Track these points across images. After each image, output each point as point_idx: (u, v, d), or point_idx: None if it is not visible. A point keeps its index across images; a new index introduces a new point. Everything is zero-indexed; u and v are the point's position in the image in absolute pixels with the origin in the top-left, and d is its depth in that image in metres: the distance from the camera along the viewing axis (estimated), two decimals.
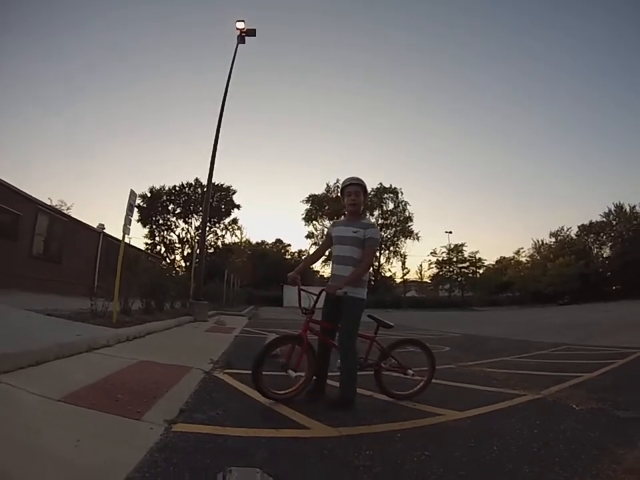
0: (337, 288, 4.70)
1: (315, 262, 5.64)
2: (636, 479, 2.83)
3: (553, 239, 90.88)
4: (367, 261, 4.94)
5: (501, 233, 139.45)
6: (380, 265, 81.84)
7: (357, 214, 5.13)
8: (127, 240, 10.49)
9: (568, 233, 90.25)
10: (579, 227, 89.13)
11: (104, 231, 30.06)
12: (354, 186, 5.10)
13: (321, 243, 5.19)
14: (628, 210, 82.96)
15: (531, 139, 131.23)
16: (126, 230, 9.94)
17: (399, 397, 5.13)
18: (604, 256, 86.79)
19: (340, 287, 4.69)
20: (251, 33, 21.38)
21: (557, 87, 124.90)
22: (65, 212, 33.62)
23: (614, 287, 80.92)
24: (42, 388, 3.87)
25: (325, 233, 5.40)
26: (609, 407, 4.85)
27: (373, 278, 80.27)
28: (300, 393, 4.84)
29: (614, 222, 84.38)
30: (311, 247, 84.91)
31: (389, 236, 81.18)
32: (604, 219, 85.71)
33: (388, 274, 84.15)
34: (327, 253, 5.70)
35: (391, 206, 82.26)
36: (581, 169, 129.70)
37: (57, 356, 5.16)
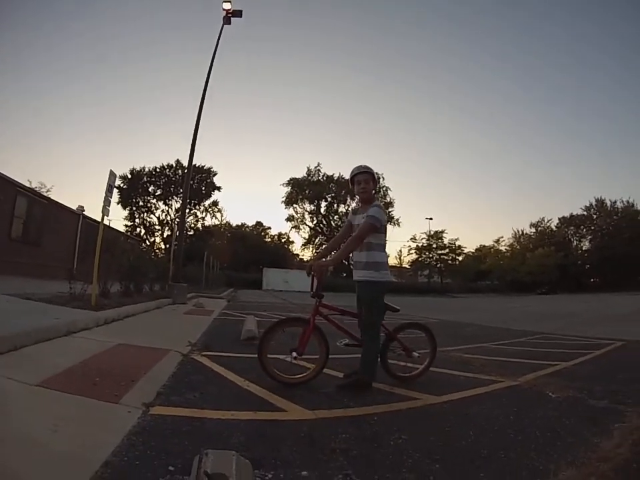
0: (322, 265, 4.95)
1: (335, 249, 5.62)
2: (611, 467, 2.86)
3: (533, 230, 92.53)
4: (356, 235, 4.93)
5: (481, 221, 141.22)
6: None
7: (369, 201, 5.13)
8: (106, 222, 10.36)
9: (548, 224, 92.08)
10: (559, 219, 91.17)
11: (83, 212, 29.77)
12: (363, 174, 5.12)
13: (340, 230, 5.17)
14: (609, 205, 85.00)
15: (515, 130, 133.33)
16: (105, 211, 9.82)
17: (402, 378, 5.27)
18: (583, 249, 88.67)
19: (327, 264, 4.90)
20: (237, 14, 21.04)
21: (542, 77, 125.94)
22: (45, 194, 33.21)
23: (592, 280, 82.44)
24: (20, 373, 3.83)
25: (347, 219, 5.41)
26: (585, 396, 4.89)
27: (352, 262, 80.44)
28: (314, 377, 4.89)
29: (594, 216, 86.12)
30: (290, 229, 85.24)
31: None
32: (585, 213, 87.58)
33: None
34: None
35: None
36: (563, 162, 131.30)
37: (36, 340, 5.10)
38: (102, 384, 3.91)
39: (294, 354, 4.73)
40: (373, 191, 5.23)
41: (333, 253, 5.79)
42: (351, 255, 5.15)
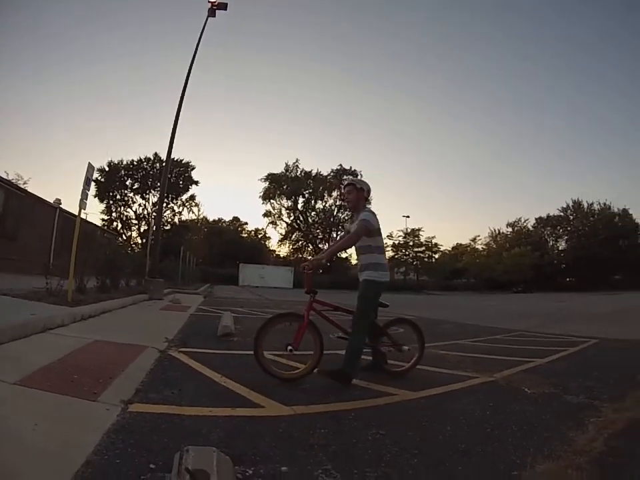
0: (314, 260, 5.20)
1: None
2: (587, 460, 2.92)
3: (510, 229, 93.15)
4: (351, 234, 5.31)
5: (458, 220, 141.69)
6: None
7: (357, 209, 5.51)
8: (83, 215, 10.25)
9: (525, 224, 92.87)
10: (536, 219, 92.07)
11: (60, 206, 29.39)
12: (346, 187, 5.65)
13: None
14: (586, 206, 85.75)
15: (495, 130, 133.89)
16: (82, 205, 9.72)
17: (393, 373, 5.50)
18: (559, 249, 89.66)
19: (321, 259, 5.17)
20: (222, 6, 20.93)
21: (523, 76, 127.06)
22: (22, 186, 32.75)
23: (568, 279, 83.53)
24: None
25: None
26: (560, 392, 4.98)
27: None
28: (309, 373, 4.99)
29: (571, 217, 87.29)
30: (267, 225, 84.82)
31: (346, 217, 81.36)
32: (561, 214, 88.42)
33: (344, 255, 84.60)
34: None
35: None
36: (541, 163, 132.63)
37: (12, 337, 5.04)
38: (80, 381, 3.89)
39: (289, 348, 4.87)
40: (361, 200, 5.52)
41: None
42: (359, 257, 5.45)
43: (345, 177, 78.63)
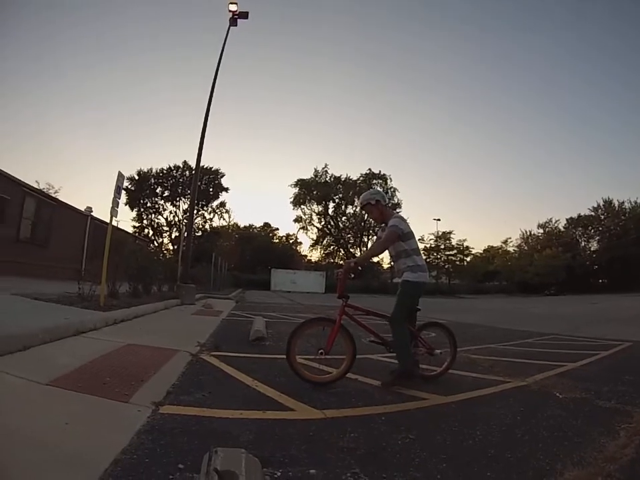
0: (350, 262, 5.30)
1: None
2: (617, 467, 2.87)
3: (541, 230, 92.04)
4: (382, 240, 5.42)
5: (489, 222, 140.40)
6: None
7: (383, 220, 5.59)
8: (114, 223, 10.41)
9: (556, 225, 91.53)
10: (567, 219, 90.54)
11: (91, 214, 29.87)
12: (364, 208, 5.71)
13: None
14: (616, 205, 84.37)
15: (524, 130, 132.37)
16: (113, 212, 9.90)
17: (426, 377, 5.47)
18: (591, 249, 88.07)
19: (353, 262, 5.31)
20: (244, 15, 21.03)
21: (550, 77, 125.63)
22: (53, 195, 33.34)
23: (600, 280, 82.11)
24: (30, 372, 3.89)
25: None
26: (592, 397, 4.89)
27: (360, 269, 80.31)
28: (342, 377, 5.01)
29: (602, 216, 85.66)
30: (298, 230, 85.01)
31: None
32: (592, 213, 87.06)
33: (375, 260, 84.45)
34: None
35: None
36: (571, 163, 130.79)
37: (45, 340, 5.17)
38: (112, 383, 3.96)
39: (321, 351, 4.91)
40: (383, 210, 5.59)
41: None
42: (394, 264, 5.55)
43: (374, 182, 78.52)
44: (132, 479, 2.33)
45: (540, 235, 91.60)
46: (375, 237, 5.50)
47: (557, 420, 4.02)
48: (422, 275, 5.30)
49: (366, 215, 79.35)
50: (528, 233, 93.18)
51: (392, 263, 5.68)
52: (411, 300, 5.31)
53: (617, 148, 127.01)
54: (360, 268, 5.11)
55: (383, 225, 5.56)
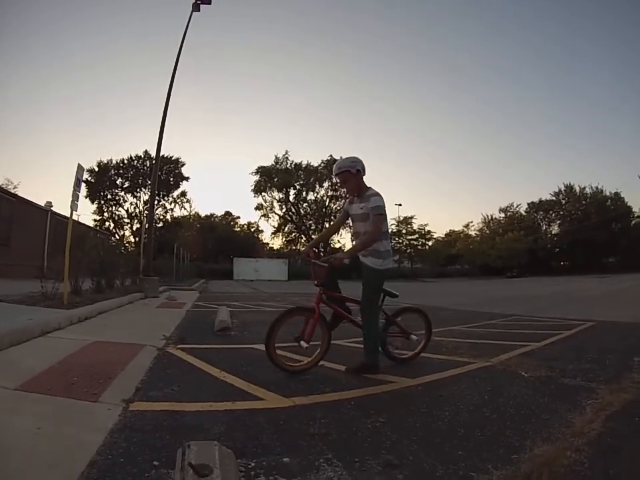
0: (341, 259, 4.97)
1: (331, 236, 5.84)
2: (585, 442, 2.96)
3: (503, 214, 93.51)
4: (371, 230, 5.06)
5: (451, 206, 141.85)
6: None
7: (359, 192, 5.25)
8: (75, 217, 10.23)
9: (517, 209, 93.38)
10: (528, 204, 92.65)
11: (52, 209, 29.31)
12: (339, 175, 5.27)
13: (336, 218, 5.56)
14: (578, 190, 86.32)
15: (485, 115, 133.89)
16: (73, 206, 9.74)
17: (402, 360, 5.63)
18: (552, 233, 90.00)
19: (344, 257, 5.01)
20: (206, 0, 20.74)
21: (513, 61, 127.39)
22: (12, 191, 32.61)
23: (561, 263, 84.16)
24: None
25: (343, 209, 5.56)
26: (557, 375, 5.03)
27: (323, 250, 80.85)
28: (316, 364, 5.06)
29: (563, 201, 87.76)
30: (260, 218, 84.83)
31: (338, 207, 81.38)
32: (554, 198, 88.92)
33: (337, 245, 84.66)
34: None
35: None
36: (532, 148, 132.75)
37: (11, 343, 5.10)
38: (80, 383, 3.92)
39: (302, 342, 4.86)
40: (361, 182, 5.26)
41: (322, 243, 5.96)
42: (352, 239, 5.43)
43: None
44: (109, 479, 2.33)
45: (501, 219, 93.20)
46: (352, 212, 5.18)
47: (524, 398, 4.13)
48: (389, 261, 5.22)
49: (327, 201, 79.82)
50: (489, 217, 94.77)
51: (353, 241, 5.53)
52: (381, 288, 5.24)
53: (578, 133, 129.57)
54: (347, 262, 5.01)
55: (355, 198, 5.32)
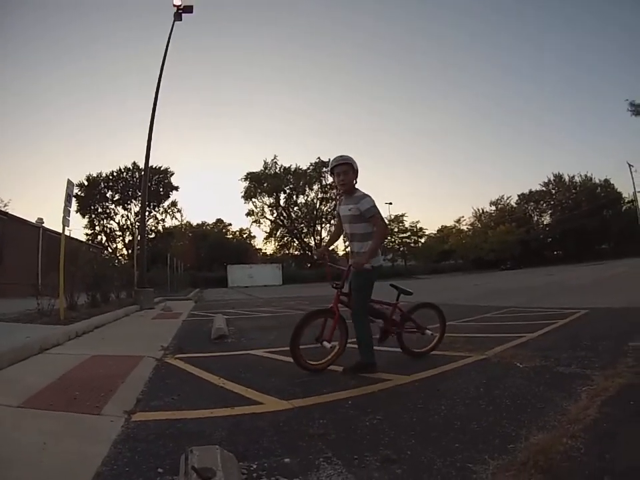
0: (362, 263, 5.01)
1: (336, 240, 5.92)
2: (581, 428, 3.01)
3: (493, 208, 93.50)
4: (379, 232, 5.21)
5: (441, 203, 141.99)
6: (322, 239, 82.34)
7: (350, 191, 5.34)
8: (66, 232, 10.23)
9: (508, 201, 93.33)
10: (518, 195, 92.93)
11: (43, 225, 29.22)
12: (341, 166, 5.28)
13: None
14: (567, 180, 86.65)
15: (472, 108, 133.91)
16: (65, 222, 9.73)
17: (418, 354, 5.85)
18: (544, 223, 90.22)
19: (364, 262, 5.01)
20: (188, 9, 20.80)
21: (501, 53, 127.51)
22: (3, 209, 32.48)
23: (555, 252, 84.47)
24: (0, 396, 3.85)
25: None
26: (552, 364, 5.08)
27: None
28: (334, 362, 5.24)
29: (553, 191, 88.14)
30: (251, 224, 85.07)
31: (329, 209, 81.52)
32: (543, 188, 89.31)
33: (330, 248, 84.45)
34: None
35: (330, 180, 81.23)
36: (520, 139, 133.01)
37: (11, 361, 5.11)
38: (82, 397, 3.96)
39: (325, 342, 5.06)
40: (353, 181, 5.35)
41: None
42: (349, 243, 5.52)
43: (324, 170, 78.78)
44: None
45: (492, 212, 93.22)
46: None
47: (519, 389, 4.19)
48: (379, 259, 5.38)
49: (318, 204, 79.77)
50: (480, 211, 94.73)
51: (347, 243, 5.65)
52: (371, 288, 5.28)
53: (565, 124, 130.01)
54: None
55: (344, 199, 5.45)
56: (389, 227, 79.20)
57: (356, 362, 5.12)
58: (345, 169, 5.26)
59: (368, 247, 5.15)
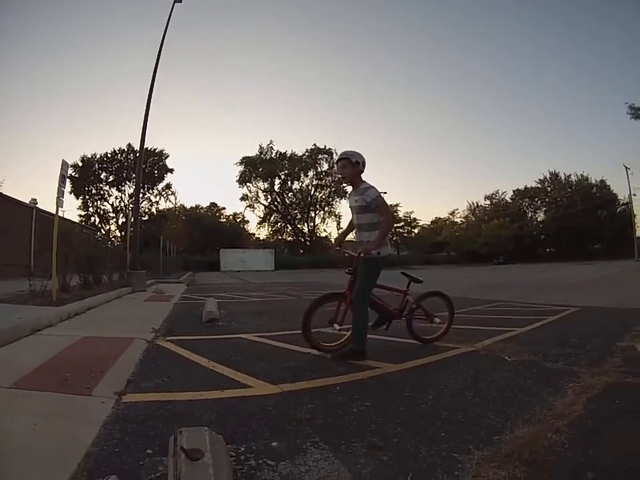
0: (370, 249, 5.20)
1: (352, 230, 6.07)
2: (566, 423, 3.05)
3: (488, 202, 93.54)
4: (385, 221, 5.44)
5: (436, 194, 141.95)
6: (315, 226, 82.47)
7: (353, 183, 5.58)
8: (60, 213, 10.18)
9: (503, 196, 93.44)
10: (513, 191, 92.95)
11: (37, 205, 29.08)
12: (339, 161, 5.60)
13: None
14: (563, 178, 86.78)
15: (470, 103, 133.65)
16: (59, 203, 9.70)
17: (427, 341, 6.11)
18: (538, 220, 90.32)
19: (371, 248, 5.21)
20: None
21: (499, 49, 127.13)
22: None
23: (548, 250, 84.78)
24: None
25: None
26: (540, 359, 5.13)
27: (309, 239, 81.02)
28: (347, 345, 5.44)
29: (549, 188, 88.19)
30: (245, 209, 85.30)
31: (323, 196, 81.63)
32: (539, 185, 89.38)
33: (323, 234, 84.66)
34: None
35: (325, 167, 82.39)
36: (517, 135, 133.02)
37: (3, 342, 5.13)
38: (73, 378, 3.97)
39: (335, 325, 5.41)
40: (357, 174, 5.52)
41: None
42: (357, 233, 5.70)
43: (320, 156, 78.86)
44: (105, 469, 2.39)
45: (487, 206, 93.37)
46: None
47: (507, 382, 4.23)
48: (387, 249, 5.53)
49: (312, 190, 79.72)
50: (475, 205, 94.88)
51: (356, 233, 5.79)
52: (378, 275, 5.45)
53: (563, 122, 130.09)
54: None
55: (352, 191, 5.66)
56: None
57: (348, 348, 5.29)
58: (343, 163, 5.49)
59: (369, 236, 5.35)
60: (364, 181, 5.53)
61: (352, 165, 5.44)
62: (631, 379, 4.26)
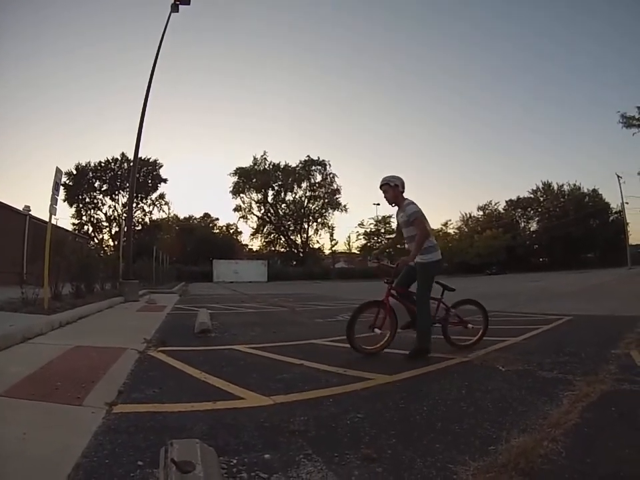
0: (407, 262, 6.03)
1: (396, 244, 6.92)
2: (561, 432, 3.03)
3: (481, 212, 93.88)
4: (419, 234, 5.93)
5: (429, 205, 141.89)
6: (308, 237, 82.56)
7: (398, 203, 6.30)
8: (53, 221, 10.14)
9: (495, 207, 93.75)
10: (506, 201, 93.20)
11: (30, 213, 28.97)
12: (382, 187, 6.30)
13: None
14: (556, 188, 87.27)
15: (463, 114, 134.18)
16: (52, 210, 9.66)
17: (461, 346, 6.39)
18: (531, 230, 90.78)
19: (408, 261, 6.00)
20: (185, 1, 20.62)
21: (492, 59, 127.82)
22: None
23: (541, 259, 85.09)
24: None
25: None
26: (534, 368, 5.13)
27: (302, 250, 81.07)
28: (385, 347, 6.08)
29: (541, 198, 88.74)
30: (238, 220, 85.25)
31: (317, 208, 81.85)
32: (532, 195, 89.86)
33: (316, 245, 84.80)
34: None
35: (319, 178, 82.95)
36: (510, 146, 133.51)
37: None
38: (64, 388, 3.94)
39: (376, 329, 5.95)
40: (399, 195, 6.25)
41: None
42: (407, 245, 6.37)
43: (313, 168, 79.13)
44: None
45: (480, 217, 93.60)
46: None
47: (501, 392, 4.21)
48: (435, 255, 6.04)
49: (306, 202, 79.78)
50: (468, 215, 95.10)
51: (406, 245, 6.44)
52: (432, 279, 6.01)
53: (556, 132, 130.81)
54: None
55: (396, 208, 6.35)
56: (377, 227, 79.71)
57: (413, 348, 5.82)
58: (385, 189, 6.25)
59: (430, 242, 6.02)
60: (406, 199, 6.23)
61: (392, 188, 6.16)
62: (627, 386, 4.29)
